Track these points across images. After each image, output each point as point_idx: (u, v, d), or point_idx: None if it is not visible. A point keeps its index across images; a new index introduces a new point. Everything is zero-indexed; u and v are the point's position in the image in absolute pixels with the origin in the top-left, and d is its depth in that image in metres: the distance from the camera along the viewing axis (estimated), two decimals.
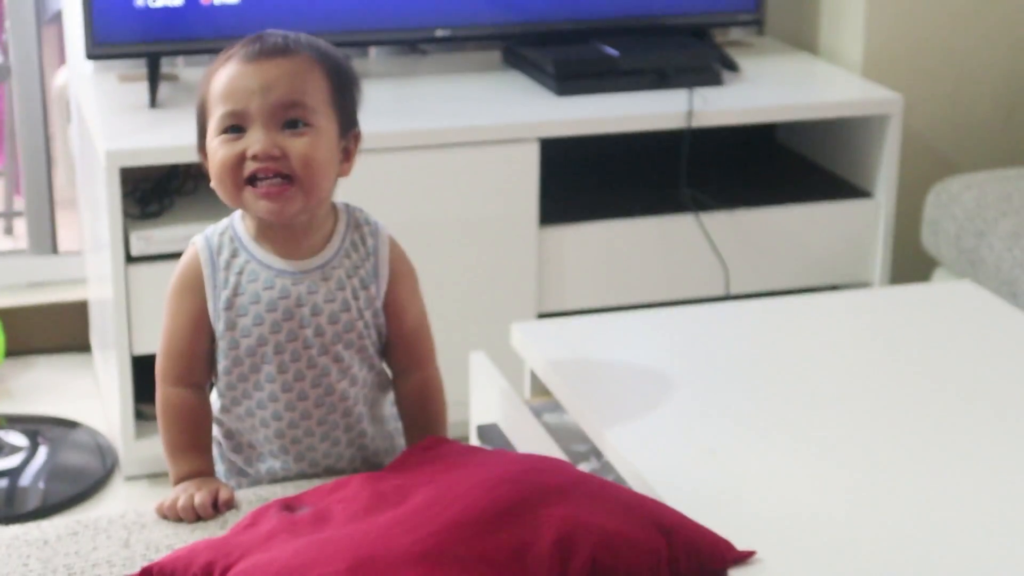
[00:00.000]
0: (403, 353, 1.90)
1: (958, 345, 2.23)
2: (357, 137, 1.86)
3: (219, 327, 1.81)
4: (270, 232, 1.81)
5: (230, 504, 1.80)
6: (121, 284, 2.83)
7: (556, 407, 2.16)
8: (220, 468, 1.91)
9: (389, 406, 1.94)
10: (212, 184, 1.80)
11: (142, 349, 2.86)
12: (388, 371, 1.92)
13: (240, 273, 1.81)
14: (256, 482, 1.89)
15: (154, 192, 3.01)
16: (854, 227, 3.23)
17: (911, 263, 3.41)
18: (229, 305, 1.80)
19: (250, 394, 1.84)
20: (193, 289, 1.82)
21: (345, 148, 1.83)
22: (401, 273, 1.88)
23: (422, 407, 1.92)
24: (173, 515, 1.79)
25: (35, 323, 3.48)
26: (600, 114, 3.04)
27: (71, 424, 3.17)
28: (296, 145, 1.75)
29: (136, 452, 2.95)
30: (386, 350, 1.90)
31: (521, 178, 2.99)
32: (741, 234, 3.15)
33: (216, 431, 1.90)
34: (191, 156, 2.84)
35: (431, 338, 1.93)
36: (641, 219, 3.11)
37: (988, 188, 3.12)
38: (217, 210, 2.95)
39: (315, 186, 1.77)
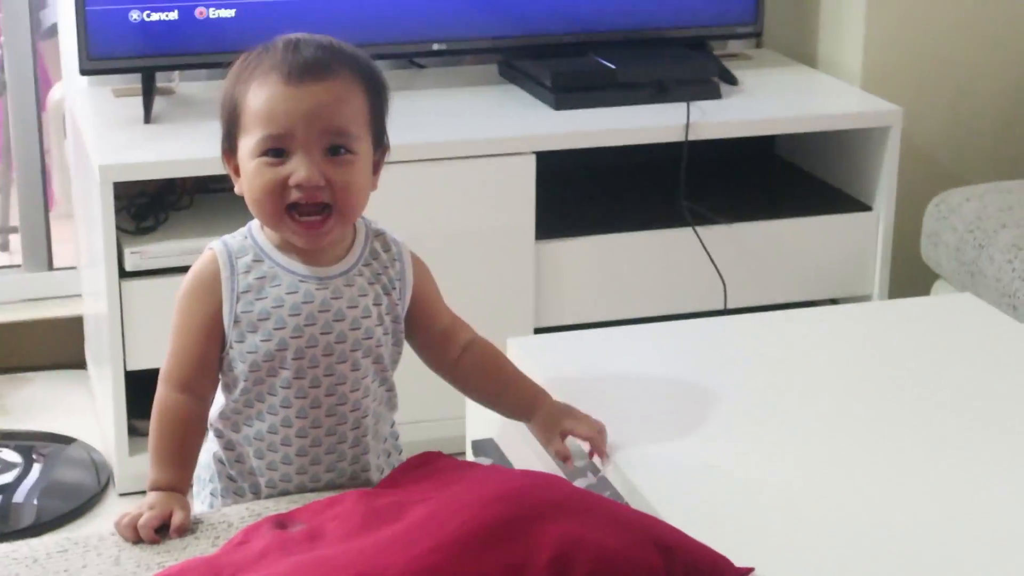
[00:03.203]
0: (449, 338, 1.94)
1: (959, 358, 2.22)
2: (385, 150, 1.87)
3: (235, 332, 1.80)
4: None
5: (182, 530, 1.76)
6: (115, 300, 2.81)
7: None
8: (218, 486, 1.89)
9: (390, 426, 1.94)
10: (247, 200, 1.79)
11: (136, 365, 2.85)
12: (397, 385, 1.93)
13: (263, 278, 1.80)
14: (255, 497, 1.87)
15: (149, 207, 3.00)
16: (853, 240, 3.21)
17: (911, 276, 3.39)
18: (250, 308, 1.79)
19: (263, 397, 1.82)
20: (209, 291, 1.81)
21: (375, 162, 1.84)
22: (424, 273, 1.92)
23: (491, 360, 1.96)
24: (120, 531, 1.76)
25: (30, 339, 3.47)
26: (598, 127, 3.03)
27: (66, 440, 3.16)
28: (340, 174, 1.76)
29: (130, 468, 2.93)
30: (432, 347, 1.93)
31: (518, 191, 2.98)
32: (740, 247, 3.13)
33: (216, 446, 1.88)
34: (186, 171, 2.87)
35: (466, 323, 1.96)
36: (639, 233, 3.10)
37: (988, 200, 3.11)
38: (213, 225, 2.95)
39: (353, 212, 1.81)
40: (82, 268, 3.36)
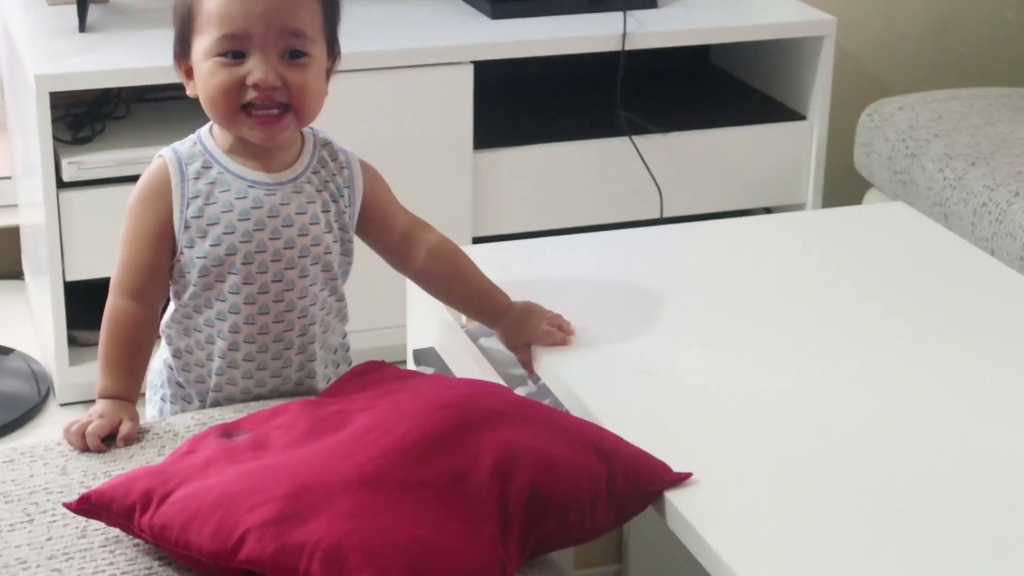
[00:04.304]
0: (412, 241, 1.94)
1: (890, 265, 2.25)
2: (337, 56, 1.87)
3: (184, 238, 1.80)
4: (244, 147, 1.82)
5: (128, 439, 1.78)
6: (53, 210, 2.80)
7: (492, 331, 2.17)
8: (167, 392, 1.91)
9: (341, 338, 1.95)
10: (201, 101, 1.79)
11: (75, 275, 2.84)
12: (346, 300, 1.93)
13: (212, 183, 1.80)
14: (202, 403, 1.89)
15: (86, 117, 2.98)
16: (788, 149, 3.24)
17: (844, 184, 3.43)
18: (200, 213, 1.79)
19: (211, 303, 1.83)
20: (159, 198, 1.81)
21: (328, 69, 1.85)
22: (374, 178, 1.92)
23: (459, 265, 1.97)
24: (68, 438, 1.79)
25: None
26: (534, 37, 3.03)
27: (4, 350, 3.15)
28: (296, 76, 1.77)
29: (71, 378, 2.93)
30: (394, 251, 1.94)
31: (455, 101, 2.98)
32: (676, 157, 3.15)
33: (166, 352, 1.90)
34: (123, 80, 2.85)
35: (428, 224, 1.97)
36: (576, 142, 3.11)
37: (920, 109, 3.14)
38: (150, 135, 2.93)
39: (309, 114, 1.81)
40: (17, 178, 3.34)
